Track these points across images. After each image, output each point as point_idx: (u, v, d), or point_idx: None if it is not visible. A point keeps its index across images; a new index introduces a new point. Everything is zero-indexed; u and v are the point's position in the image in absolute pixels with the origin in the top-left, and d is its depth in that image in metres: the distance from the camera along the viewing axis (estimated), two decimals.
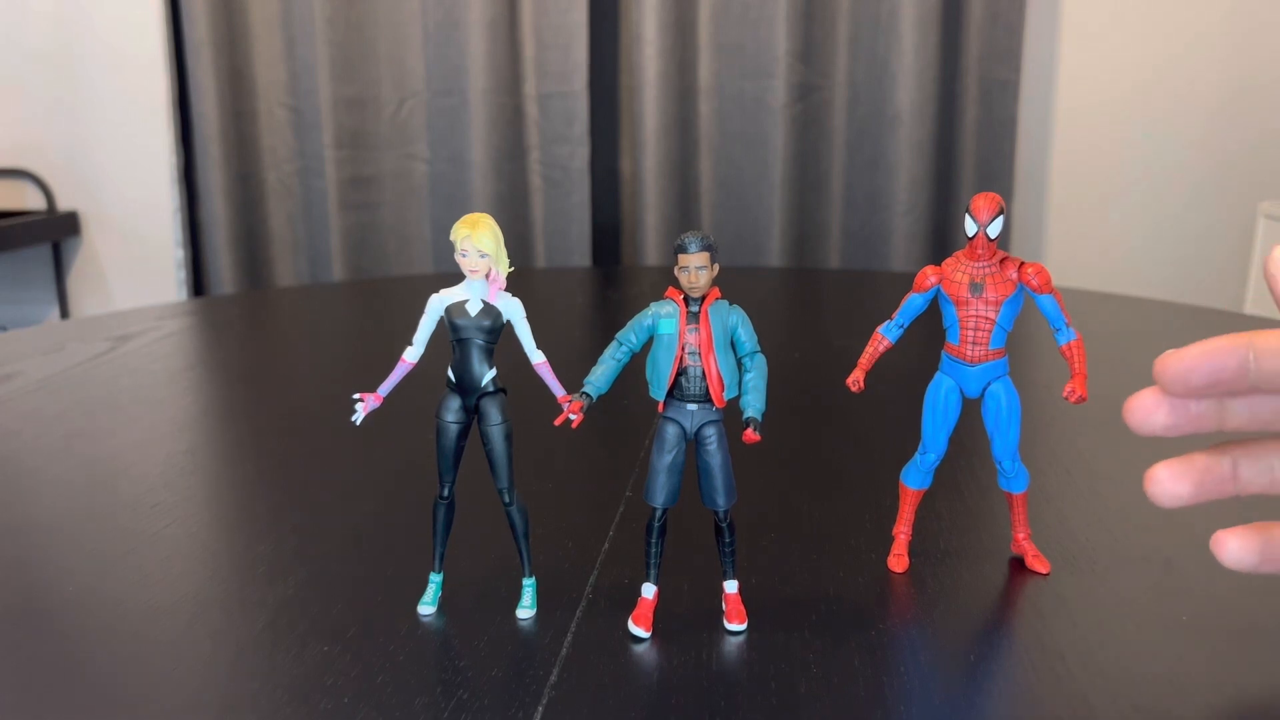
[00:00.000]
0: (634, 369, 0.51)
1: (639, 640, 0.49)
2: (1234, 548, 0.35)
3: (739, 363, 0.49)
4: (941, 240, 2.01)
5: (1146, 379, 0.35)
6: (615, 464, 0.73)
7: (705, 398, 0.49)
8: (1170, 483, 0.34)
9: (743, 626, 0.50)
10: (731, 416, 0.50)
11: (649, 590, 0.51)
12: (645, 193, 1.98)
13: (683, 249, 0.47)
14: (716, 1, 1.91)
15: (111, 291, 2.15)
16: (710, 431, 0.49)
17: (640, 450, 0.74)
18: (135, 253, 2.12)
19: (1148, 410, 0.34)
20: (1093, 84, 1.99)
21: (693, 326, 0.48)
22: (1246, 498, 0.36)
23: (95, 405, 0.88)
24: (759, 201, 1.99)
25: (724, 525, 0.51)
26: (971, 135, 1.96)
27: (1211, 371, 0.32)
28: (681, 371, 0.49)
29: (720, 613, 0.51)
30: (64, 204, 2.09)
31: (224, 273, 2.03)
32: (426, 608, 0.52)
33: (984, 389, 0.55)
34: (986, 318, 0.53)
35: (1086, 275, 2.00)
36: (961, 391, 0.55)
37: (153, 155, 2.03)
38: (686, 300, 0.49)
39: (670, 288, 0.49)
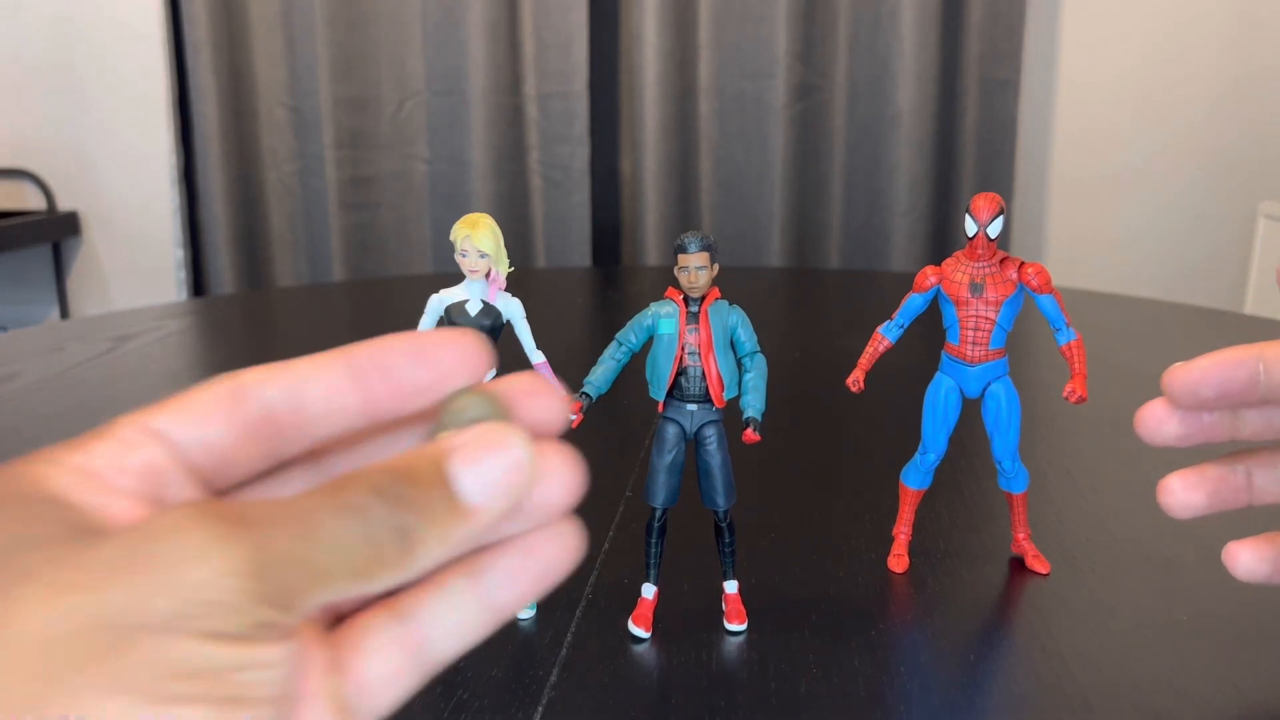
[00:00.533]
0: (634, 369, 0.51)
1: (639, 640, 0.49)
2: (1247, 559, 0.34)
3: (739, 363, 0.49)
4: (941, 240, 2.01)
5: (1146, 379, 0.35)
6: (615, 464, 0.73)
7: (705, 398, 0.49)
8: (1184, 493, 0.34)
9: (743, 626, 0.50)
10: (731, 416, 0.50)
11: (649, 590, 0.51)
12: (645, 193, 1.97)
13: (682, 249, 0.47)
14: (716, 1, 1.91)
15: (111, 291, 2.15)
16: (710, 431, 0.49)
17: (640, 450, 0.74)
18: (135, 253, 2.12)
19: (1159, 420, 0.33)
20: (1093, 84, 1.99)
21: (692, 326, 0.48)
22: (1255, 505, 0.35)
23: (95, 405, 0.88)
24: (759, 201, 1.99)
25: (724, 525, 0.51)
26: (971, 135, 1.96)
27: (1220, 384, 0.31)
28: (681, 371, 0.49)
29: (720, 613, 0.51)
30: (64, 204, 2.09)
31: (224, 273, 2.03)
32: None
33: (984, 389, 0.55)
34: (986, 318, 0.53)
35: (1086, 275, 2.00)
36: (961, 391, 0.55)
37: (153, 155, 2.03)
38: (686, 300, 0.49)
39: (670, 288, 0.49)
